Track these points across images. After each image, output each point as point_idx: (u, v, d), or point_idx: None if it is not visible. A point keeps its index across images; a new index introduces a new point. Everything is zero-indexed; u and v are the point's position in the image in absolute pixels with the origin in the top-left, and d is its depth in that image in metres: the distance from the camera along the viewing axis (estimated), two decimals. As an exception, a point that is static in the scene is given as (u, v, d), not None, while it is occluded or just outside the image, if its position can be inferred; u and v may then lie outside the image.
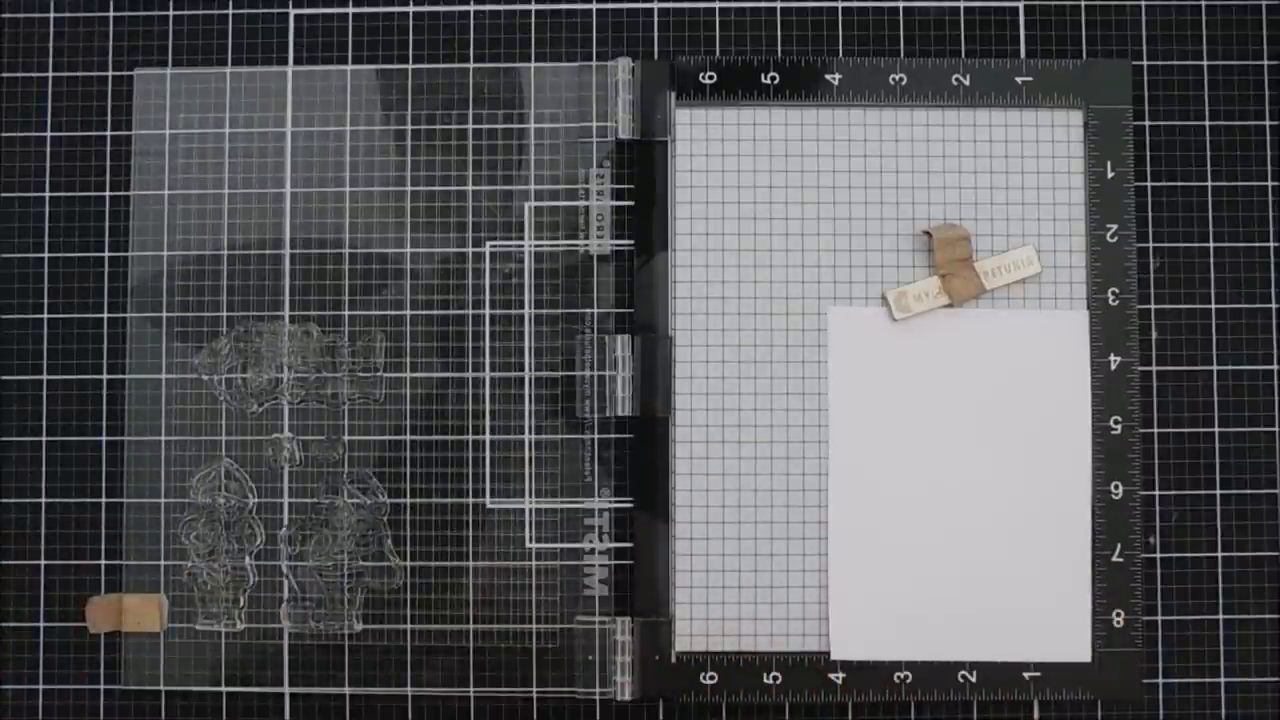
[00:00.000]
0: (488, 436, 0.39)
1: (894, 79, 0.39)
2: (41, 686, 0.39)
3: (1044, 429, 0.39)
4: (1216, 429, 0.40)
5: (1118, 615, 0.38)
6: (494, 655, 0.39)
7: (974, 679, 0.38)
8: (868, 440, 0.39)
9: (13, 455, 0.39)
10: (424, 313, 0.39)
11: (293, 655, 0.39)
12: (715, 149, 0.40)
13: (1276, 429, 0.40)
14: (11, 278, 0.40)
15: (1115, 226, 0.39)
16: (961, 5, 0.40)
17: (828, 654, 0.38)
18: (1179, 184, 0.40)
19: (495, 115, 0.40)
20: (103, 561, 0.39)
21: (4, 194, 0.40)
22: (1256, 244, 0.40)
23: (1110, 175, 0.39)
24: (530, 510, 0.39)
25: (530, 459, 0.39)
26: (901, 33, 0.40)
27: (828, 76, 0.39)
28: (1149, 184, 0.40)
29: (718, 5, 0.40)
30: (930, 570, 0.38)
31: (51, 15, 0.40)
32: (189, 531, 0.39)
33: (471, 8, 0.40)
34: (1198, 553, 0.39)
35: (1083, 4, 0.40)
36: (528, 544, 0.39)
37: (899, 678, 0.38)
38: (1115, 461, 0.39)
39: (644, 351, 0.39)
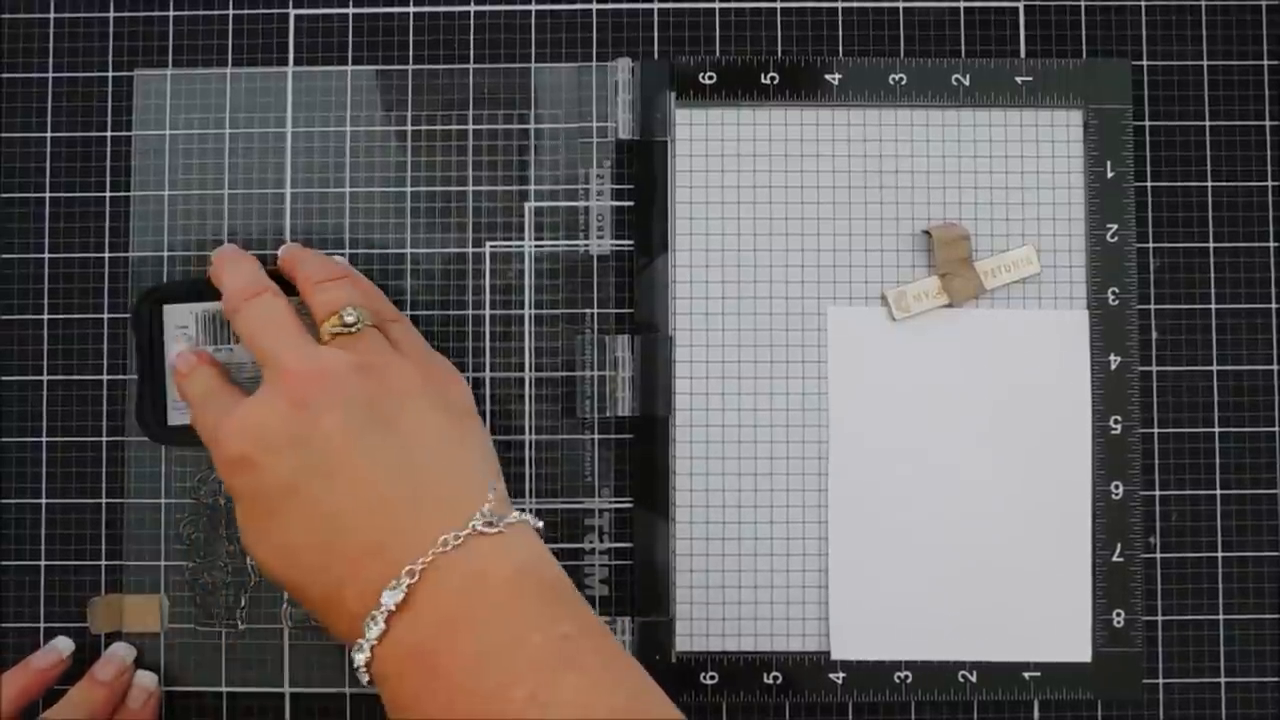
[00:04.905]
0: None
1: (894, 79, 0.39)
2: (42, 686, 0.39)
3: (1044, 429, 0.39)
4: (1216, 429, 0.40)
5: (1118, 615, 0.38)
6: (494, 655, 0.38)
7: (974, 679, 0.38)
8: (867, 440, 0.39)
9: (13, 455, 0.39)
10: (424, 313, 0.39)
11: (293, 655, 0.39)
12: (715, 149, 0.40)
13: (1276, 429, 0.40)
14: (11, 278, 0.40)
15: (1115, 226, 0.39)
16: (961, 5, 0.40)
17: (828, 654, 0.38)
18: (1179, 184, 0.40)
19: (495, 115, 0.40)
20: (103, 562, 0.39)
21: (4, 194, 0.40)
22: (1256, 244, 0.40)
23: (1110, 175, 0.39)
24: (530, 510, 0.39)
25: (530, 459, 0.39)
26: (901, 33, 0.40)
27: (828, 76, 0.39)
28: (1149, 184, 0.40)
29: (718, 5, 0.40)
30: (930, 570, 0.38)
31: (51, 15, 0.40)
32: (190, 531, 0.39)
33: (471, 8, 0.40)
34: (1198, 553, 0.39)
35: (1083, 4, 0.40)
36: (528, 544, 0.39)
37: (899, 678, 0.38)
38: (1115, 461, 0.39)
39: (644, 351, 0.39)
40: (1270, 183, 0.40)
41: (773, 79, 0.39)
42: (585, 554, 0.39)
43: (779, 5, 0.40)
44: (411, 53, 0.40)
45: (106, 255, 0.40)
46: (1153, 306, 0.40)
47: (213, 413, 0.33)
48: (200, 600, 0.39)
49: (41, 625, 0.39)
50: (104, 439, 0.39)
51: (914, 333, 0.39)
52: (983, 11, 0.40)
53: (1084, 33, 0.40)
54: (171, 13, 0.40)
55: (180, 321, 0.37)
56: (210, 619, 0.39)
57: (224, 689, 0.39)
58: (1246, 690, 0.39)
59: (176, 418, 0.37)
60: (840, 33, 0.40)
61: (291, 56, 0.40)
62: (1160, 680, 0.39)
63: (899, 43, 0.40)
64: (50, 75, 0.40)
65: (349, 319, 0.33)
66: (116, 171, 0.40)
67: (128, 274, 0.40)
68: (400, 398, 0.31)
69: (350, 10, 0.40)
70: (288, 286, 0.35)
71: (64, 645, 0.38)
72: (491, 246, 0.40)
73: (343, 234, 0.40)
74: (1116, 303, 0.39)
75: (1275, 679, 0.39)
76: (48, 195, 0.40)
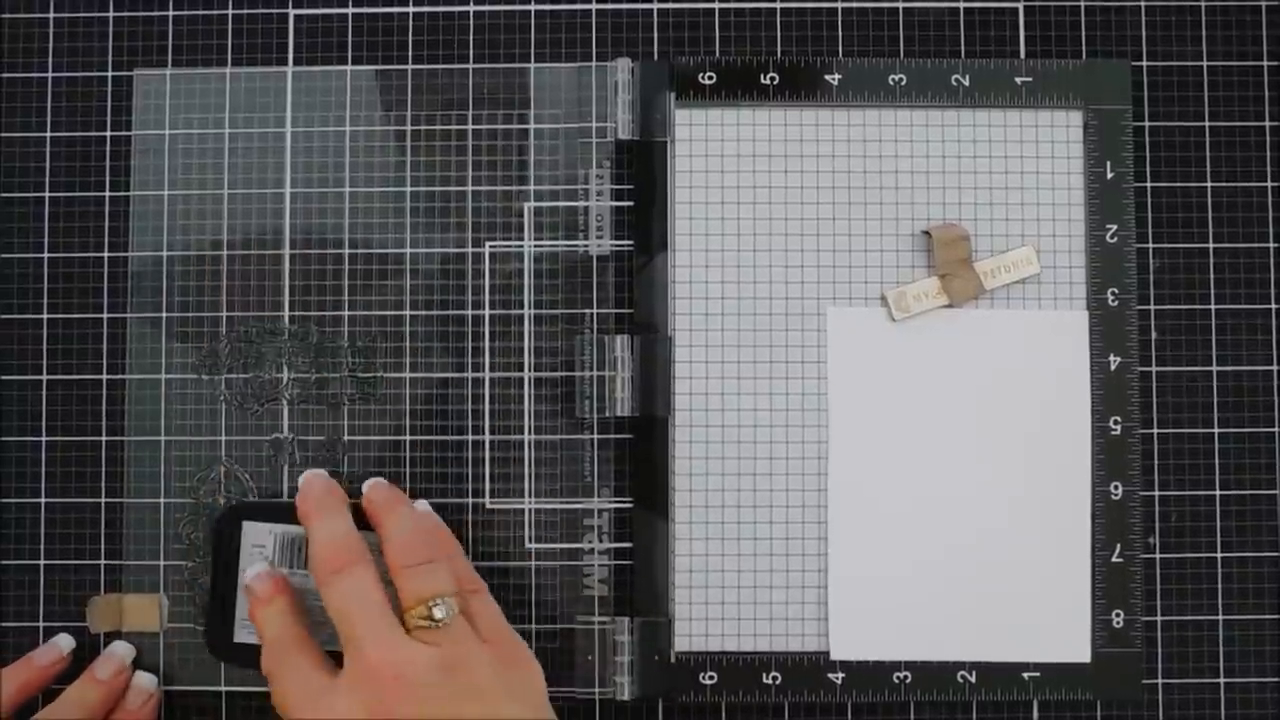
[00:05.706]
0: (488, 436, 0.39)
1: (894, 79, 0.39)
2: (41, 686, 0.39)
3: (1044, 429, 0.39)
4: (1216, 429, 0.39)
5: (1117, 615, 0.38)
6: (494, 655, 0.38)
7: (973, 679, 0.38)
8: (867, 440, 0.39)
9: (13, 455, 0.39)
10: (424, 313, 0.39)
11: (292, 655, 0.39)
12: (715, 149, 0.40)
13: (1276, 429, 0.40)
14: (11, 278, 0.40)
15: (1115, 227, 0.39)
16: (961, 5, 0.40)
17: (828, 654, 0.38)
18: (1179, 184, 0.40)
19: (495, 115, 0.40)
20: (103, 561, 0.39)
21: (4, 194, 0.40)
22: (1256, 244, 0.40)
23: (1110, 175, 0.39)
24: (530, 510, 0.39)
25: (530, 459, 0.39)
26: (901, 33, 0.40)
27: (827, 77, 0.39)
28: (1149, 184, 0.40)
29: (717, 5, 0.40)
30: (930, 570, 0.38)
31: (51, 15, 0.40)
32: (189, 531, 0.39)
33: (471, 8, 0.40)
34: (1198, 553, 0.39)
35: (1083, 4, 0.40)
36: (528, 544, 0.39)
37: (899, 678, 0.38)
38: (1115, 461, 0.39)
39: (644, 351, 0.39)
40: (1270, 183, 0.40)
41: (772, 79, 0.39)
42: (585, 554, 0.39)
43: (779, 5, 0.40)
44: (411, 53, 0.40)
45: (106, 255, 0.40)
46: (1152, 307, 0.40)
47: (290, 682, 0.32)
48: (200, 600, 0.39)
49: (41, 624, 0.39)
50: (104, 439, 0.39)
51: (914, 333, 0.39)
52: (983, 12, 0.40)
53: (1084, 33, 0.40)
54: (171, 13, 0.40)
55: (258, 540, 0.37)
56: (210, 619, 0.39)
57: (223, 689, 0.39)
58: (1246, 690, 0.39)
59: (243, 635, 0.37)
60: (840, 33, 0.40)
61: (291, 56, 0.40)
62: (1160, 680, 0.39)
63: (899, 43, 0.40)
64: (50, 75, 0.40)
65: (438, 614, 0.32)
66: (116, 171, 0.40)
67: (127, 274, 0.40)
68: (480, 698, 0.31)
69: (350, 10, 0.40)
70: (359, 516, 0.36)
71: (65, 643, 0.38)
72: (491, 246, 0.40)
73: (342, 234, 0.40)
74: (1116, 303, 0.39)
75: (1275, 679, 0.39)
76: (47, 195, 0.40)
